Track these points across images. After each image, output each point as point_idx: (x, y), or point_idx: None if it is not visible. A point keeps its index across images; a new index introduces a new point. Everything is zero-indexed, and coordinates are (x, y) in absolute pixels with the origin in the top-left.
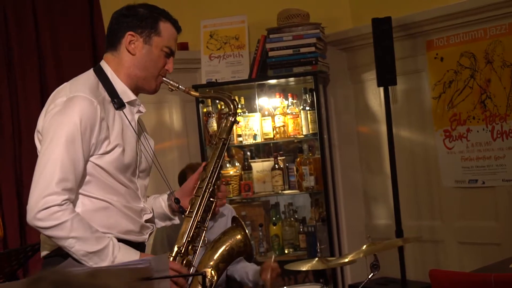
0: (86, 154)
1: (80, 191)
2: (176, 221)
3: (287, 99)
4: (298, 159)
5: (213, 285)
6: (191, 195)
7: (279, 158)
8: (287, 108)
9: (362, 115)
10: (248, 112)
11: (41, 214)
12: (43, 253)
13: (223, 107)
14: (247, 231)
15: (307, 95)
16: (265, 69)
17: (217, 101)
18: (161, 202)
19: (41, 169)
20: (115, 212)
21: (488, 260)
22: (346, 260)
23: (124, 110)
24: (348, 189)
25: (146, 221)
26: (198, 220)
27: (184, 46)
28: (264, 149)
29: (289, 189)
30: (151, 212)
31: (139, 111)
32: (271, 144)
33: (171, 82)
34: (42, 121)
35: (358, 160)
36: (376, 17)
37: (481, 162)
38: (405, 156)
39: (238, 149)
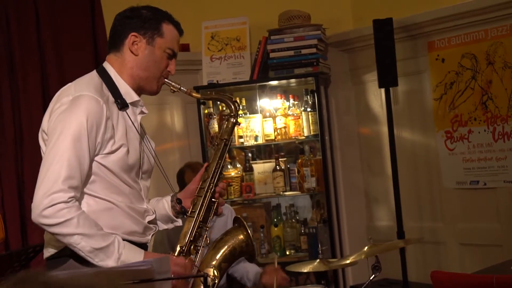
0: (92, 152)
1: (85, 190)
2: (179, 223)
3: (288, 100)
4: (299, 161)
5: (216, 285)
6: (193, 196)
7: (280, 159)
8: (288, 110)
9: (363, 116)
10: (249, 114)
11: (47, 211)
12: (47, 254)
13: (224, 109)
14: (249, 231)
15: (308, 97)
16: (266, 70)
17: (218, 102)
18: (164, 204)
19: (47, 167)
20: (119, 212)
21: (489, 262)
22: (348, 261)
23: (127, 111)
24: (350, 190)
25: (149, 222)
26: (200, 220)
27: (185, 48)
28: (265, 151)
29: (290, 190)
30: (153, 213)
31: (142, 112)
32: (272, 146)
33: (173, 83)
34: (47, 121)
35: (359, 161)
36: (377, 18)
37: (483, 163)
38: (407, 157)
39: (239, 150)
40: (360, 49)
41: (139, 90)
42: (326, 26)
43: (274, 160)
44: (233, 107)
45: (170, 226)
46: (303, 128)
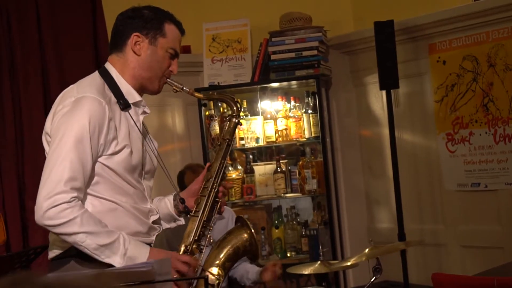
0: (94, 154)
1: (89, 191)
2: (182, 222)
3: (289, 102)
4: (301, 162)
5: (221, 283)
6: (196, 196)
7: (281, 161)
8: (289, 111)
9: (364, 119)
10: (251, 115)
11: (50, 212)
12: (52, 255)
13: (225, 110)
14: (253, 231)
15: (309, 98)
16: (267, 72)
17: (220, 103)
18: (167, 203)
19: (50, 168)
20: (124, 213)
21: (490, 264)
22: (349, 263)
23: (129, 111)
24: (351, 192)
25: (153, 222)
26: (204, 219)
27: (186, 49)
28: (266, 152)
29: (291, 192)
30: (157, 213)
31: (144, 112)
32: (274, 147)
33: (175, 83)
34: (50, 123)
35: (360, 163)
36: (378, 21)
37: (484, 165)
38: (408, 159)
39: (241, 152)
40: (361, 51)
41: (141, 90)
42: (327, 28)
43: (275, 162)
44: (235, 107)
45: (173, 225)
46: (304, 130)
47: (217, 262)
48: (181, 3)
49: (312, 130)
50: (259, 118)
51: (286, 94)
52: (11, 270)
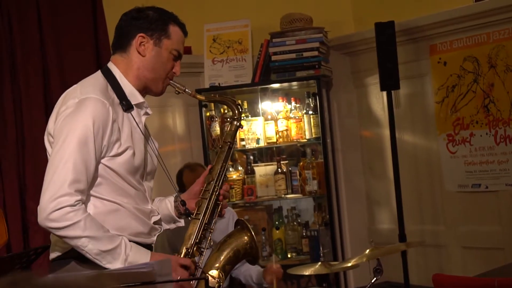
0: (98, 155)
1: (91, 193)
2: (181, 223)
3: (290, 103)
4: (301, 163)
5: (221, 286)
6: (196, 198)
7: (282, 162)
8: (290, 112)
9: (365, 119)
10: (251, 116)
11: (54, 214)
12: (53, 255)
13: (225, 111)
14: (253, 233)
15: (310, 99)
16: (268, 73)
17: (220, 105)
18: (167, 204)
19: (53, 170)
20: (126, 214)
21: (491, 265)
22: (349, 264)
23: (132, 112)
24: (351, 193)
25: (154, 223)
26: (206, 222)
27: (187, 50)
28: (267, 153)
29: (292, 193)
30: (158, 214)
31: (146, 113)
32: (274, 148)
33: (178, 85)
34: (53, 123)
35: (361, 164)
36: (379, 22)
37: (484, 166)
38: (408, 160)
39: (241, 153)
40: (362, 52)
41: (144, 91)
42: (328, 29)
43: (275, 162)
44: (236, 110)
45: (172, 226)
46: (304, 131)
47: (217, 265)
48: (182, 4)
49: (313, 131)
50: (260, 119)
51: (286, 95)
52: (11, 270)
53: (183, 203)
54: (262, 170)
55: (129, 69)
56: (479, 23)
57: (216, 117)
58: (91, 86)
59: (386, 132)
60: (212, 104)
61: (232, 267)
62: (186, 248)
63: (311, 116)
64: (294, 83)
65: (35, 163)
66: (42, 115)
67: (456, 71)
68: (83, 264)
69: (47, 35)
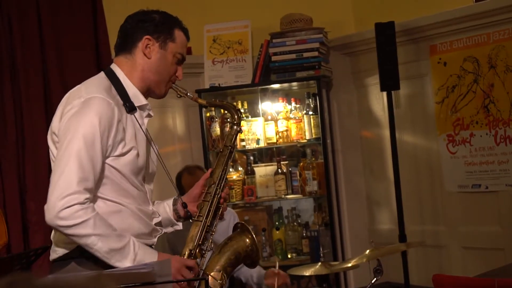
0: (104, 154)
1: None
2: (179, 226)
3: (290, 103)
4: (301, 164)
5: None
6: (196, 201)
7: (282, 162)
8: (290, 113)
9: (365, 120)
10: (251, 117)
11: (63, 213)
12: (54, 256)
13: (226, 112)
14: (254, 237)
15: (310, 100)
16: (268, 73)
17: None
18: (166, 208)
19: (61, 168)
20: (128, 214)
21: (491, 265)
22: (349, 264)
23: (135, 114)
24: (351, 193)
25: (155, 224)
26: (208, 224)
27: (187, 51)
28: (267, 154)
29: (292, 193)
30: (159, 216)
31: (148, 115)
32: (274, 149)
33: (180, 88)
34: (57, 123)
35: (361, 164)
36: (379, 22)
37: (484, 166)
38: (408, 160)
39: (241, 153)
40: (362, 53)
41: (147, 94)
42: (328, 30)
43: (276, 163)
44: (235, 115)
45: (170, 229)
46: (305, 132)
47: (218, 267)
48: (182, 4)
49: (313, 131)
50: (260, 119)
51: (286, 96)
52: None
53: (185, 205)
54: (262, 170)
55: (134, 71)
56: (479, 23)
57: (216, 118)
58: (96, 86)
59: (386, 133)
60: (217, 100)
61: (233, 269)
62: (189, 250)
63: (311, 116)
64: (294, 83)
65: (35, 163)
66: (42, 115)
67: (456, 71)
68: (83, 264)
69: (47, 35)
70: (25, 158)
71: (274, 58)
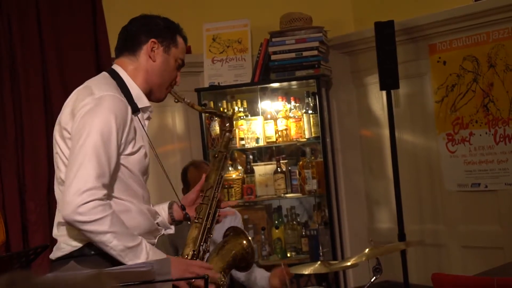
0: (118, 152)
1: None
2: (172, 230)
3: (289, 102)
4: (301, 163)
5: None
6: (191, 205)
7: (281, 161)
8: (290, 112)
9: (364, 119)
10: (251, 116)
11: (83, 208)
12: (57, 254)
13: (225, 110)
14: (250, 239)
15: (309, 99)
16: (267, 72)
17: (220, 103)
18: (161, 211)
19: (78, 165)
20: (136, 213)
21: (490, 264)
22: (349, 263)
23: (138, 115)
24: (351, 192)
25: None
26: (208, 226)
27: (186, 50)
28: (266, 153)
29: (292, 192)
30: (160, 216)
31: (148, 118)
32: (274, 148)
33: (178, 94)
34: (67, 119)
35: (360, 163)
36: (378, 21)
37: (484, 165)
38: (408, 159)
39: (241, 152)
40: (362, 52)
41: (147, 96)
42: (327, 29)
43: (275, 162)
44: (227, 123)
45: (162, 232)
46: (304, 130)
47: (218, 268)
48: (181, 3)
49: (312, 130)
50: (259, 118)
51: (286, 94)
52: (10, 270)
53: (183, 207)
54: (262, 169)
55: (138, 73)
56: (478, 22)
57: (216, 117)
58: (106, 85)
59: (386, 132)
60: (212, 103)
61: (230, 270)
62: (192, 251)
63: (311, 115)
64: (294, 82)
65: (34, 163)
66: (41, 115)
67: (455, 70)
68: (83, 263)
69: (47, 35)
70: (24, 158)
71: (273, 57)
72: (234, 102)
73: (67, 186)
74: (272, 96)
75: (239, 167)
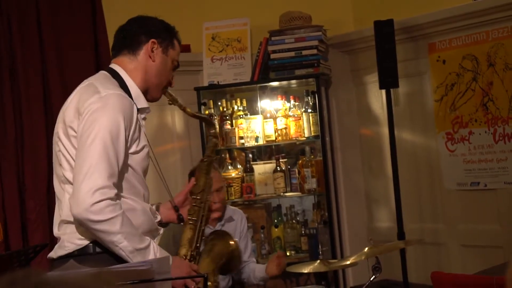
0: (126, 151)
1: None
2: (161, 231)
3: (289, 101)
4: (300, 162)
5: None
6: (180, 207)
7: (281, 160)
8: (289, 111)
9: (364, 118)
10: (250, 115)
11: (95, 207)
12: (61, 252)
13: (224, 109)
14: (237, 242)
15: (309, 98)
16: (267, 71)
17: (219, 102)
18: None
19: (89, 163)
20: (141, 212)
21: (490, 263)
22: (348, 262)
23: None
24: (350, 191)
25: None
26: (203, 228)
27: (186, 48)
28: (266, 152)
29: (291, 191)
30: (158, 216)
31: (144, 118)
32: (273, 147)
33: (173, 95)
34: (73, 117)
35: (360, 162)
36: (378, 20)
37: (483, 164)
38: (407, 158)
39: (240, 151)
40: (361, 50)
41: (144, 95)
42: (327, 27)
43: (274, 161)
44: (213, 130)
45: (160, 232)
46: (303, 129)
47: (210, 269)
48: (181, 2)
49: (312, 129)
50: (259, 117)
51: (285, 93)
52: (10, 268)
53: (177, 208)
54: (261, 168)
55: (137, 72)
56: (478, 21)
57: (215, 115)
58: (109, 83)
59: (385, 130)
60: (211, 102)
61: (219, 272)
62: (189, 252)
63: (310, 114)
64: (293, 81)
65: (34, 162)
66: (41, 115)
67: (455, 69)
68: (82, 262)
69: (47, 35)
70: (24, 158)
71: (273, 56)
72: (234, 101)
73: (78, 185)
74: (271, 95)
75: (239, 166)
